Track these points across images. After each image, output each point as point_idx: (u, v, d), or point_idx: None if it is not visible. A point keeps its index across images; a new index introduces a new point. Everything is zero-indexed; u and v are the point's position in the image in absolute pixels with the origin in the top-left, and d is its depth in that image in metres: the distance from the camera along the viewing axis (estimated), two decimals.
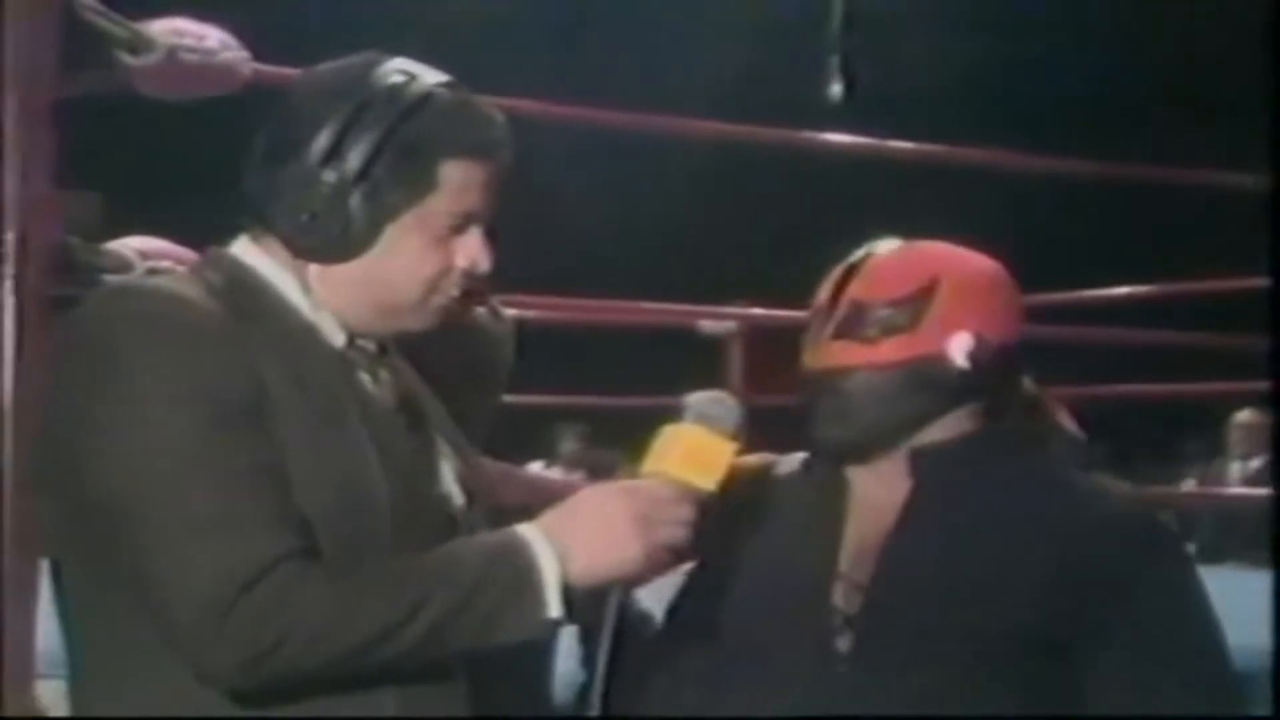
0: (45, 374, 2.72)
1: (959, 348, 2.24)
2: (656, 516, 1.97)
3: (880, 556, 2.21)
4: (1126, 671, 2.16)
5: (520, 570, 1.92)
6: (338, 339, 2.05)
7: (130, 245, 2.92)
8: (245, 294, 2.02)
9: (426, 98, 2.02)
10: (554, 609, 1.93)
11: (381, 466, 1.98)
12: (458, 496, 2.10)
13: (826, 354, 2.27)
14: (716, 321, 7.12)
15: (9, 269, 2.70)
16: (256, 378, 1.93)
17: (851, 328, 2.26)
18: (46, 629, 2.68)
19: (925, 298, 2.25)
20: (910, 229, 2.39)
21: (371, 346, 2.09)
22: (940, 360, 2.24)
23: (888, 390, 2.24)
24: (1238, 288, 5.46)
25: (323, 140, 1.99)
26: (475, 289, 2.15)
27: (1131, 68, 10.84)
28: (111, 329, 1.95)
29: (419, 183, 2.01)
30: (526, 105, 3.90)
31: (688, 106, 5.64)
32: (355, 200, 2.00)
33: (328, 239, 2.01)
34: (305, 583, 1.87)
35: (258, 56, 3.23)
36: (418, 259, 2.03)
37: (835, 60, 5.42)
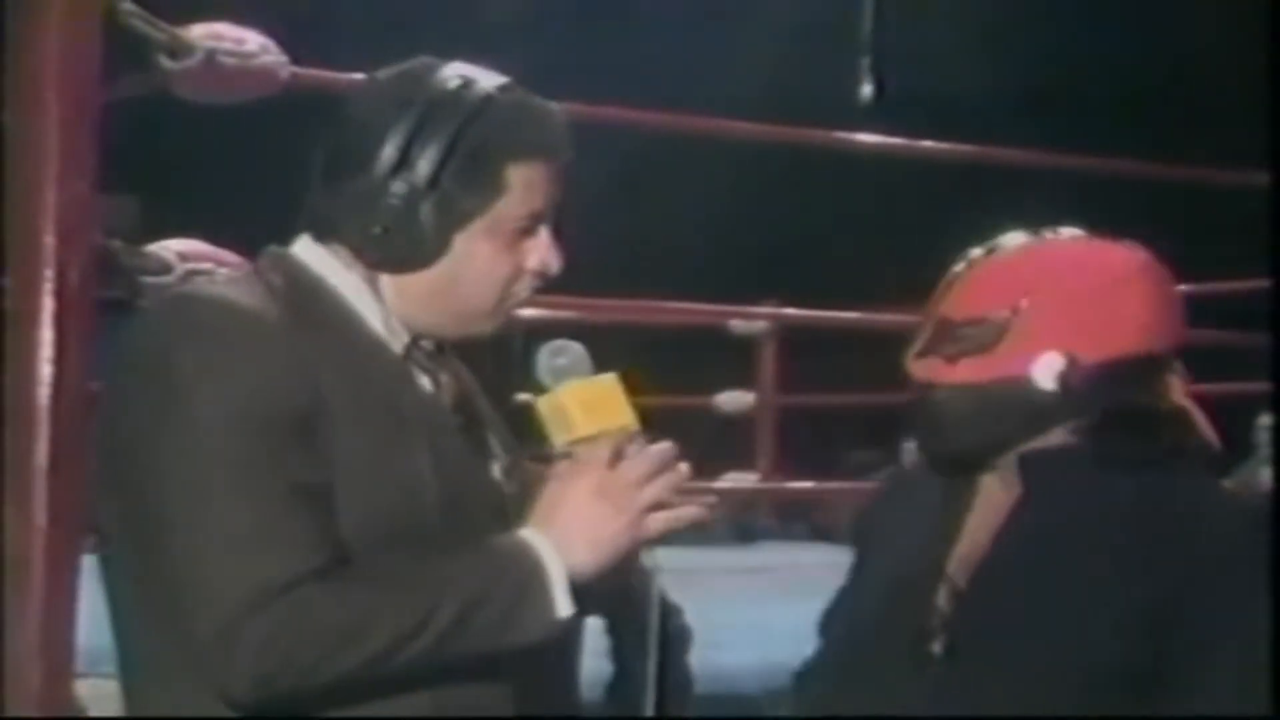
0: (84, 376, 2.76)
1: (1045, 370, 2.17)
2: (618, 481, 1.96)
3: (979, 561, 2.18)
4: (1211, 695, 2.08)
5: (527, 572, 1.93)
6: (400, 342, 2.05)
7: (170, 248, 2.94)
8: (306, 297, 2.02)
9: (488, 102, 2.01)
10: (563, 608, 1.93)
11: (435, 470, 1.99)
12: (508, 497, 2.10)
13: (916, 367, 2.25)
14: (748, 321, 7.13)
15: (50, 272, 2.72)
16: (311, 387, 1.94)
17: (936, 344, 2.22)
18: (87, 628, 2.71)
19: (1011, 316, 2.18)
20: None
21: (431, 347, 2.09)
22: (1024, 383, 2.17)
23: (968, 410, 2.19)
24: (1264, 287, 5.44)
25: (389, 151, 1.98)
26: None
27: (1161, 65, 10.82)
28: (168, 339, 1.96)
29: (488, 189, 2.01)
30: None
31: (720, 107, 5.65)
32: (426, 210, 1.99)
33: (402, 251, 2.01)
34: (319, 601, 1.88)
35: (295, 60, 3.25)
36: (490, 264, 2.03)
37: (866, 62, 5.44)
